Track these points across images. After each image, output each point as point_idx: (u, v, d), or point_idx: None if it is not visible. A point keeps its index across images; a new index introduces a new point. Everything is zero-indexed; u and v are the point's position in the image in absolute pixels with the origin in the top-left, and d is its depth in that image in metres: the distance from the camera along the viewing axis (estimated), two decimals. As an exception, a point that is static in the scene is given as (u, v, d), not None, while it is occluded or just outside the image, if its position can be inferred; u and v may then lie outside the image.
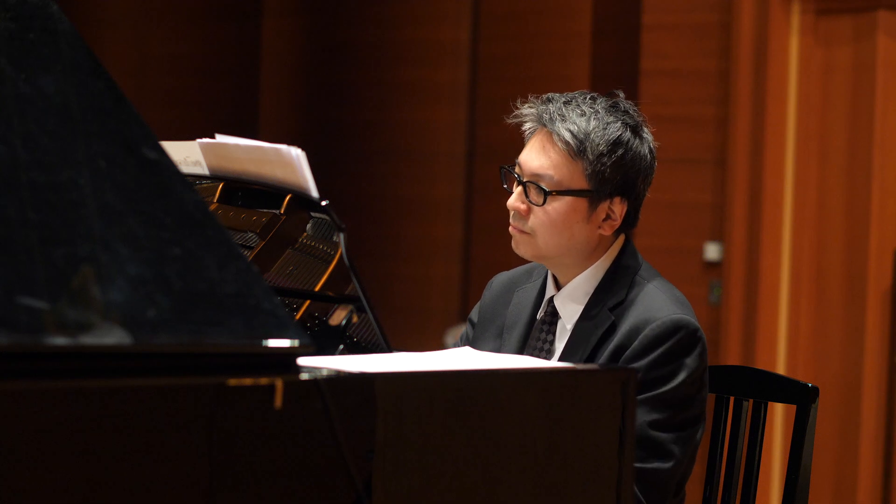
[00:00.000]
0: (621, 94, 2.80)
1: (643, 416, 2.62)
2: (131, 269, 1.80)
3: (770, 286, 5.54)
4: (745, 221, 5.56)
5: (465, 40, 6.49)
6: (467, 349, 2.44)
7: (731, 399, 2.98)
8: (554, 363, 2.66)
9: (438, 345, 5.97)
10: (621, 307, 2.72)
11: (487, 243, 6.31)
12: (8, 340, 1.66)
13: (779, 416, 5.50)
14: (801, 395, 2.85)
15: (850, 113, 5.46)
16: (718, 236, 5.63)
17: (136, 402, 1.74)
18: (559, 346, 2.78)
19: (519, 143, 2.82)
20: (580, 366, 2.62)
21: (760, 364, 5.45)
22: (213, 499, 1.78)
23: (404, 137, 6.60)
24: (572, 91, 2.82)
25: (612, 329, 2.71)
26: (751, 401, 2.95)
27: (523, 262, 2.89)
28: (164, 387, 1.76)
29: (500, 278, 2.96)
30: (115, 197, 1.86)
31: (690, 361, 2.66)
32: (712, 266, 5.65)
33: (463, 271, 6.51)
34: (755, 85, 5.52)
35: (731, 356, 5.55)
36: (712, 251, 5.64)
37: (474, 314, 2.95)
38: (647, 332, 2.66)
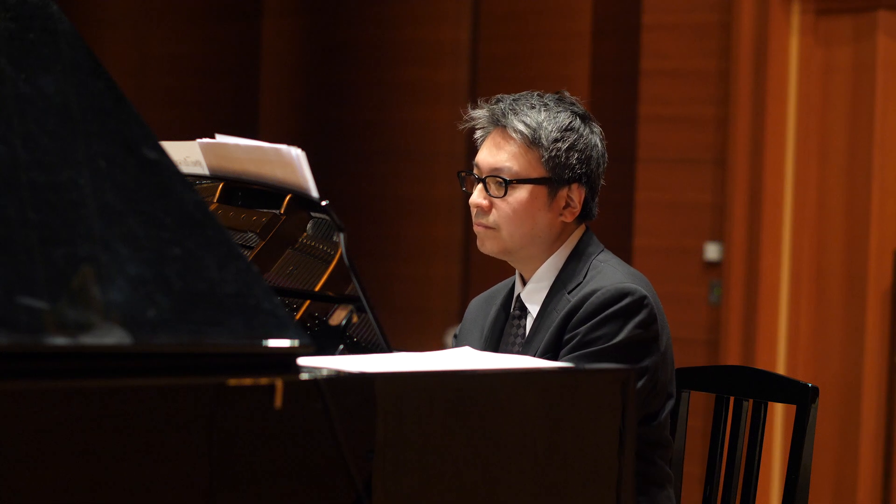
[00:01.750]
0: (566, 92, 2.89)
1: None
2: (131, 269, 1.80)
3: (770, 286, 5.53)
4: (745, 221, 5.55)
5: (465, 40, 6.48)
6: (467, 349, 2.44)
7: (731, 399, 2.98)
8: (554, 363, 2.67)
9: (438, 345, 5.97)
10: (578, 288, 2.78)
11: (487, 243, 6.29)
12: (8, 340, 1.66)
13: (779, 416, 5.50)
14: (801, 395, 2.85)
15: (850, 113, 5.46)
16: (718, 236, 5.63)
17: (136, 402, 1.74)
18: None
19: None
20: (580, 366, 2.62)
21: (760, 364, 5.45)
22: (213, 499, 1.78)
23: (404, 137, 6.59)
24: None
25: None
26: (751, 401, 2.95)
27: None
28: (164, 387, 1.76)
29: (478, 298, 3.04)
30: (115, 197, 1.86)
31: (635, 323, 2.72)
32: (712, 266, 5.65)
33: (463, 271, 6.51)
34: (755, 85, 5.52)
35: (731, 356, 5.55)
36: (712, 251, 5.63)
37: (457, 330, 3.01)
38: (593, 298, 2.74)
